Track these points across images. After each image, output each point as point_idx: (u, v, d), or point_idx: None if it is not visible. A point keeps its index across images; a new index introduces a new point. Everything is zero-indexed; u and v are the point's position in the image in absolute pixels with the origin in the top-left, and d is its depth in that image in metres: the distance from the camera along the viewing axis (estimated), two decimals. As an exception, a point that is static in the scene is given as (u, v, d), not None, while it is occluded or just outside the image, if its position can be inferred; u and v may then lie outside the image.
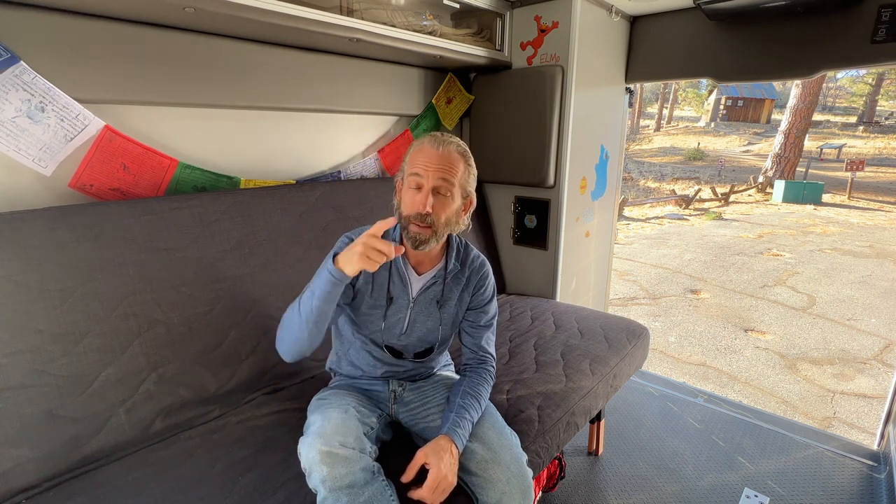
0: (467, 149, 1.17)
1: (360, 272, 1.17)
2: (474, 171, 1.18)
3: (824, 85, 19.31)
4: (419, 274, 1.21)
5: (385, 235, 1.21)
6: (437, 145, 1.10)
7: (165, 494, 1.03)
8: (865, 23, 1.75)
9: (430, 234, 1.10)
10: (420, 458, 1.03)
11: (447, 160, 1.09)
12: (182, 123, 1.53)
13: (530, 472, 1.12)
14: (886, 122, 27.34)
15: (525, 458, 1.14)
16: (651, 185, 16.22)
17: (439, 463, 1.00)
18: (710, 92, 31.35)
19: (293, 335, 1.09)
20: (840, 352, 4.25)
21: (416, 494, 1.00)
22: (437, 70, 2.24)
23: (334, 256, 1.03)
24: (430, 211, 1.07)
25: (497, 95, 2.24)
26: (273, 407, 1.37)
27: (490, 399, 1.29)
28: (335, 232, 1.76)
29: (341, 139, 2.02)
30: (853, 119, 29.80)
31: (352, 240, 1.17)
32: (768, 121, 30.37)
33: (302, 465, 1.00)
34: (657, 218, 10.70)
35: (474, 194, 1.19)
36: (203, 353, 1.36)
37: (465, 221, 1.20)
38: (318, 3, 1.43)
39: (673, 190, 14.15)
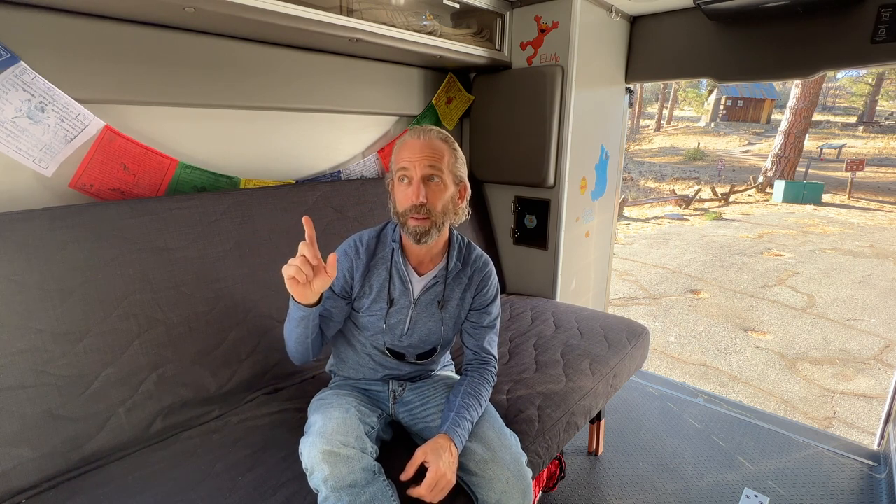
0: (449, 135, 1.15)
1: (358, 279, 1.17)
2: (461, 156, 1.16)
3: (824, 85, 19.31)
4: (420, 275, 1.21)
5: (384, 237, 1.21)
6: (418, 136, 1.10)
7: (166, 494, 1.03)
8: (865, 23, 1.75)
9: (429, 224, 1.09)
10: (419, 456, 1.03)
11: (431, 147, 1.08)
12: (182, 123, 1.53)
13: (530, 472, 1.12)
14: (886, 122, 27.32)
15: (524, 458, 1.14)
16: (651, 185, 16.21)
17: (438, 461, 1.00)
18: (710, 92, 31.34)
19: (293, 348, 1.15)
20: (840, 352, 4.25)
21: (415, 492, 1.00)
22: (437, 70, 2.24)
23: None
24: (425, 200, 1.07)
25: (497, 95, 2.24)
26: (273, 407, 1.37)
27: (490, 399, 1.29)
28: (335, 232, 1.76)
29: (341, 139, 2.02)
30: (853, 119, 29.78)
31: (358, 242, 1.19)
32: (768, 121, 30.36)
33: (303, 464, 1.00)
34: (657, 218, 10.69)
35: (467, 180, 1.18)
36: (203, 353, 1.36)
37: (464, 210, 1.18)
38: (318, 3, 1.43)
39: (673, 190, 14.15)
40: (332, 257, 0.99)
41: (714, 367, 3.97)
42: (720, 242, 8.30)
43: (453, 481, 1.02)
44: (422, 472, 1.02)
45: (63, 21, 1.22)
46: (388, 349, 1.23)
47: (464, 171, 1.16)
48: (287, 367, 1.53)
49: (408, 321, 1.20)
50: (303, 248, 0.95)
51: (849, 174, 13.24)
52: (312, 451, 0.97)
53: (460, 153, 1.16)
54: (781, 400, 3.51)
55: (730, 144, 24.75)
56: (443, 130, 1.14)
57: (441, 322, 1.22)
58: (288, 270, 0.95)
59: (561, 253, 2.26)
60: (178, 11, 1.23)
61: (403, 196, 1.10)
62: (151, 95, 1.41)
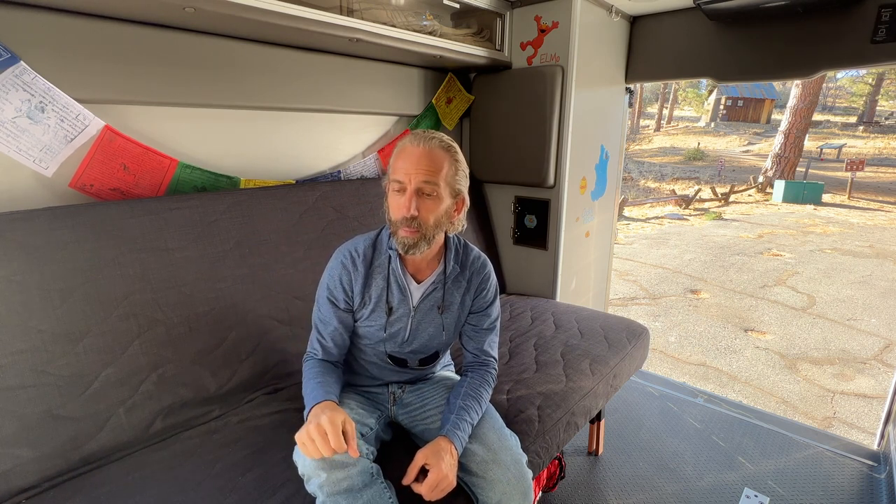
0: (453, 143, 1.09)
1: (358, 291, 1.15)
2: (463, 166, 1.11)
3: (824, 85, 19.31)
4: (418, 282, 1.18)
5: (379, 244, 1.18)
6: (417, 143, 1.05)
7: (165, 494, 1.03)
8: (865, 23, 1.75)
9: (418, 237, 1.06)
10: (420, 459, 1.03)
11: (429, 158, 1.03)
12: (182, 123, 1.53)
13: (530, 473, 1.12)
14: (886, 122, 27.32)
15: (525, 458, 1.14)
16: (651, 185, 16.21)
17: (440, 463, 1.00)
18: (710, 92, 31.33)
19: None
20: (840, 352, 4.25)
21: (415, 487, 1.00)
22: (437, 70, 2.24)
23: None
24: (416, 213, 1.03)
25: (497, 95, 2.24)
26: (273, 407, 1.37)
27: (490, 399, 1.29)
28: (335, 232, 1.76)
29: (341, 139, 2.02)
30: (853, 119, 29.78)
31: (354, 253, 1.15)
32: (768, 121, 30.36)
33: (299, 471, 0.99)
34: (657, 218, 10.69)
35: (466, 193, 1.13)
36: (203, 353, 1.36)
37: (461, 221, 1.15)
38: (318, 3, 1.43)
39: (673, 190, 14.15)
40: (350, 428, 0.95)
41: (714, 367, 3.97)
42: (720, 242, 8.30)
43: (454, 483, 1.02)
44: (422, 473, 1.02)
45: (63, 21, 1.22)
46: (389, 356, 1.22)
47: (464, 184, 1.11)
48: (287, 366, 1.52)
49: (408, 329, 1.19)
50: (328, 425, 0.91)
51: (849, 174, 13.23)
52: (307, 458, 0.96)
53: (463, 164, 1.11)
54: (781, 400, 3.51)
55: (730, 144, 24.75)
56: (446, 138, 1.09)
57: (442, 327, 1.21)
58: (309, 447, 0.93)
59: (561, 253, 2.26)
60: (178, 11, 1.23)
61: (396, 205, 1.07)
62: (151, 95, 1.41)
